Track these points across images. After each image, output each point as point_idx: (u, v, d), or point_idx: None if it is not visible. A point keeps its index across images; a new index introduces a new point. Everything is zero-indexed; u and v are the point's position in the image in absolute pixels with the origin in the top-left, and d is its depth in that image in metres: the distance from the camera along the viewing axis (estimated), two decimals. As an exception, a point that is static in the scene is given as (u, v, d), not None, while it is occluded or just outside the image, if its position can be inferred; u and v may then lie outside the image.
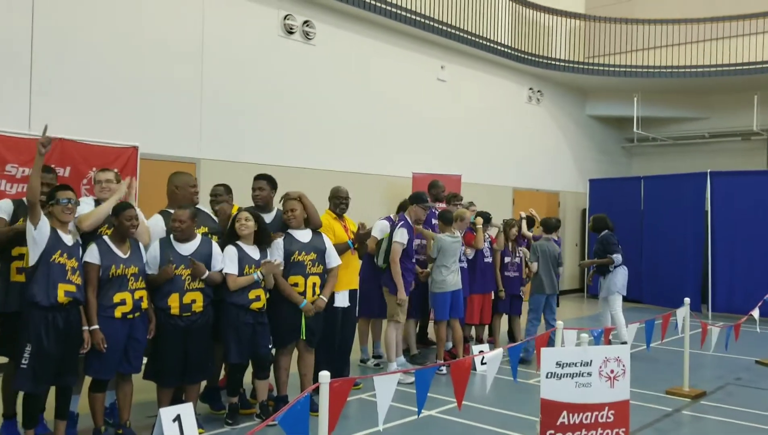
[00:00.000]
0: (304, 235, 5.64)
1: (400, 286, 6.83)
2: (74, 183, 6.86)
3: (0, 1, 7.00)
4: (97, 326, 4.58)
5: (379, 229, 7.11)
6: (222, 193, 5.99)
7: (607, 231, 8.61)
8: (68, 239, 4.53)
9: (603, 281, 8.52)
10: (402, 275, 6.86)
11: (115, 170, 6.16)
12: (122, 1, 7.94)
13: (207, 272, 4.99)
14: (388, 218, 7.32)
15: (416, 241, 7.37)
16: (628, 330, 6.66)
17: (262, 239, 5.40)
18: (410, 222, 7.09)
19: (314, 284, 5.56)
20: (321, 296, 5.58)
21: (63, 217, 4.51)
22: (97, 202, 5.10)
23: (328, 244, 5.75)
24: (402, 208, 7.52)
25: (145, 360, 5.08)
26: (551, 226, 8.31)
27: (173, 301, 4.91)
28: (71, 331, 4.48)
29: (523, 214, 8.91)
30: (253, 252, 5.33)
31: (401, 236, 6.90)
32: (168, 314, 4.91)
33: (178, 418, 4.89)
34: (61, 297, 4.37)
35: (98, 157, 7.07)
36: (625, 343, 7.24)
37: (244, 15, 9.17)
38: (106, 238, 4.78)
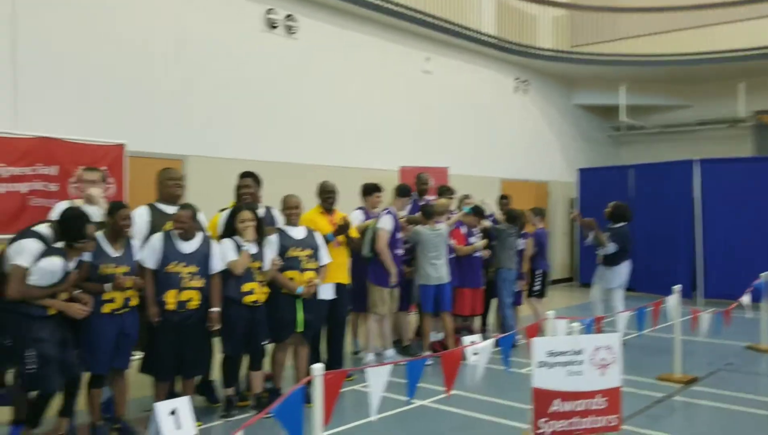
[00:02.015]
0: (298, 232, 5.75)
1: (392, 269, 6.93)
2: (61, 182, 6.86)
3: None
4: (107, 284, 4.70)
5: (355, 218, 7.08)
6: (251, 185, 5.97)
7: (625, 224, 8.55)
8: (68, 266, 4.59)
9: (606, 272, 8.49)
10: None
11: (104, 169, 6.16)
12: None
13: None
14: (362, 208, 7.31)
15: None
16: (620, 318, 6.70)
17: (259, 234, 5.45)
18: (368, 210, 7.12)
19: (309, 279, 5.65)
20: (314, 282, 5.64)
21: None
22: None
23: (321, 242, 5.86)
24: (366, 192, 7.46)
25: (141, 355, 5.13)
26: (512, 217, 8.30)
27: (169, 297, 4.96)
28: (65, 330, 4.57)
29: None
30: (250, 247, 5.37)
31: (385, 223, 6.92)
32: (163, 310, 4.96)
33: (174, 412, 4.90)
34: (51, 311, 4.50)
35: (85, 155, 7.06)
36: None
37: (226, 10, 9.11)
38: (100, 236, 4.83)
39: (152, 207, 5.41)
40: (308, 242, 5.72)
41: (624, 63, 14.35)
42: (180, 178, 5.54)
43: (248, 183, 5.91)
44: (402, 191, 7.33)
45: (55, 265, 4.44)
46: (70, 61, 7.55)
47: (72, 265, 4.59)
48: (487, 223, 8.38)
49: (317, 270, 5.72)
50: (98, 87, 7.77)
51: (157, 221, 5.30)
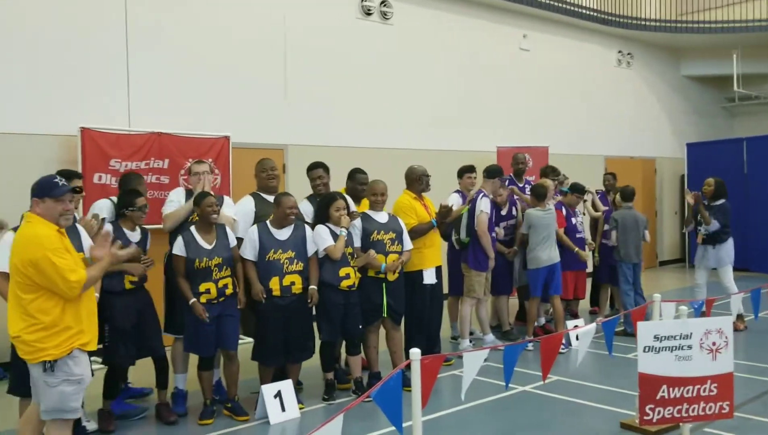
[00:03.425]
0: (381, 217, 5.81)
1: (491, 253, 6.88)
2: (172, 174, 7.26)
3: (94, 8, 7.39)
4: (194, 299, 4.94)
5: (453, 202, 7.05)
6: (324, 176, 6.08)
7: (724, 200, 8.15)
8: (133, 236, 4.99)
9: (712, 251, 8.10)
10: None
11: (209, 161, 6.45)
12: (207, -5, 8.22)
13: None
14: (459, 191, 7.27)
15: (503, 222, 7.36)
16: (733, 300, 6.36)
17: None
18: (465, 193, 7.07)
19: (393, 261, 5.70)
20: (400, 259, 5.70)
21: (137, 222, 5.04)
22: (188, 193, 5.38)
23: (404, 226, 5.89)
24: (458, 174, 7.42)
25: (249, 340, 5.36)
26: (628, 194, 7.97)
27: (274, 284, 5.16)
28: (142, 308, 4.98)
29: (593, 190, 8.70)
30: (344, 232, 5.48)
31: (486, 205, 6.87)
32: (270, 296, 5.16)
33: (279, 394, 5.13)
34: (127, 285, 4.91)
35: (193, 148, 7.44)
36: (741, 315, 6.93)
37: (323, 0, 9.28)
38: (192, 229, 5.06)
39: (256, 196, 5.64)
40: (391, 226, 5.77)
41: (737, 29, 13.43)
42: (272, 169, 5.69)
43: (321, 174, 6.00)
44: (490, 172, 7.19)
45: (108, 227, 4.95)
46: (176, 58, 7.93)
47: (135, 236, 4.98)
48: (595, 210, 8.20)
49: (400, 253, 5.74)
50: (203, 81, 8.13)
51: (263, 210, 5.50)
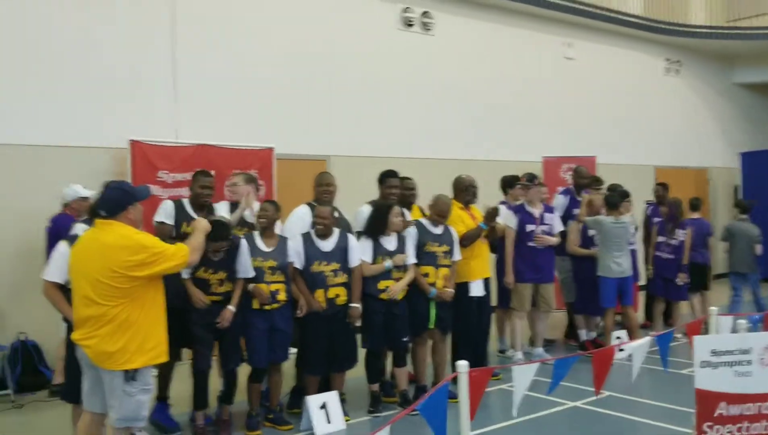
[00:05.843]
0: (437, 228, 5.72)
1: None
2: (217, 185, 7.29)
3: (142, 23, 7.56)
4: (253, 284, 4.97)
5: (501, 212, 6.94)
6: (413, 188, 6.19)
7: None
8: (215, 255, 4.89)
9: None
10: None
11: (250, 172, 6.49)
12: (253, 10, 8.31)
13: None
14: (504, 202, 7.18)
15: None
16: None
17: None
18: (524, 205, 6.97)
19: (444, 276, 5.65)
20: (449, 289, 5.66)
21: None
22: (232, 205, 5.44)
23: (456, 238, 5.81)
24: (506, 185, 7.42)
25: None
26: (745, 206, 8.41)
27: (319, 296, 5.16)
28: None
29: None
30: (388, 243, 5.44)
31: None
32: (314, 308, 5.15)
33: (324, 406, 5.10)
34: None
35: (239, 159, 7.49)
36: None
37: (364, 12, 9.32)
38: (256, 233, 5.15)
39: (311, 205, 5.65)
40: (446, 239, 5.70)
41: (791, 34, 13.04)
42: (327, 184, 5.69)
43: (397, 183, 5.99)
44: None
45: None
46: (222, 71, 8.05)
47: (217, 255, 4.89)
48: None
49: (450, 267, 5.69)
50: (248, 94, 8.23)
51: None
